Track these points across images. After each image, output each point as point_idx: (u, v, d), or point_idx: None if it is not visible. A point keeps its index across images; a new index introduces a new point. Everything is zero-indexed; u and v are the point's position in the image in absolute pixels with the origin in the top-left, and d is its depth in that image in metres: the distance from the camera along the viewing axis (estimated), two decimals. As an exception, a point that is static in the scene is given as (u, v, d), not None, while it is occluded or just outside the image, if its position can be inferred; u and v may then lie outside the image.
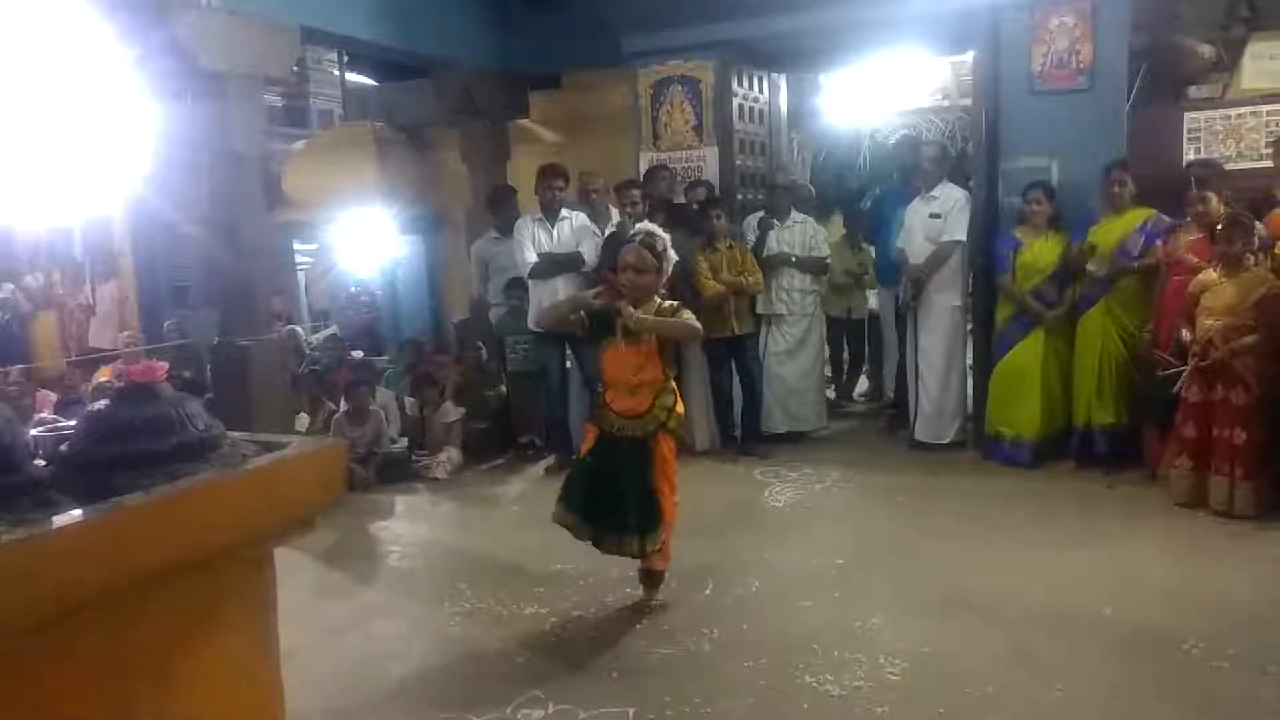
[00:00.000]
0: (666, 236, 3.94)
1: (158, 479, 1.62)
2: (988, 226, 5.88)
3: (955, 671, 3.22)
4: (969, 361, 6.20)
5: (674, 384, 3.84)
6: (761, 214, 6.43)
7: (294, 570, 4.21)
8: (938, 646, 3.40)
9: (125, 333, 8.40)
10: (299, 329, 8.66)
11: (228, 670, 1.77)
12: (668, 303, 3.82)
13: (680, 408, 3.83)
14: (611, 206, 6.23)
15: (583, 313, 3.81)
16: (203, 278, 5.97)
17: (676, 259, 3.98)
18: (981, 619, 3.61)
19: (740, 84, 6.81)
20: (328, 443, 1.97)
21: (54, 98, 5.73)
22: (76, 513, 1.48)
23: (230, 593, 1.77)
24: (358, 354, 7.77)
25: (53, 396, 6.94)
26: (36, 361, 9.02)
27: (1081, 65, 5.67)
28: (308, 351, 7.91)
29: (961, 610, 3.69)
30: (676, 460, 3.82)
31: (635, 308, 3.70)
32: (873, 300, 7.41)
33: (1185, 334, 4.69)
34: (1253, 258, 4.61)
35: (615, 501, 3.71)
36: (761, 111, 7.15)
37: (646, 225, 3.91)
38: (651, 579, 3.91)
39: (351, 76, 9.02)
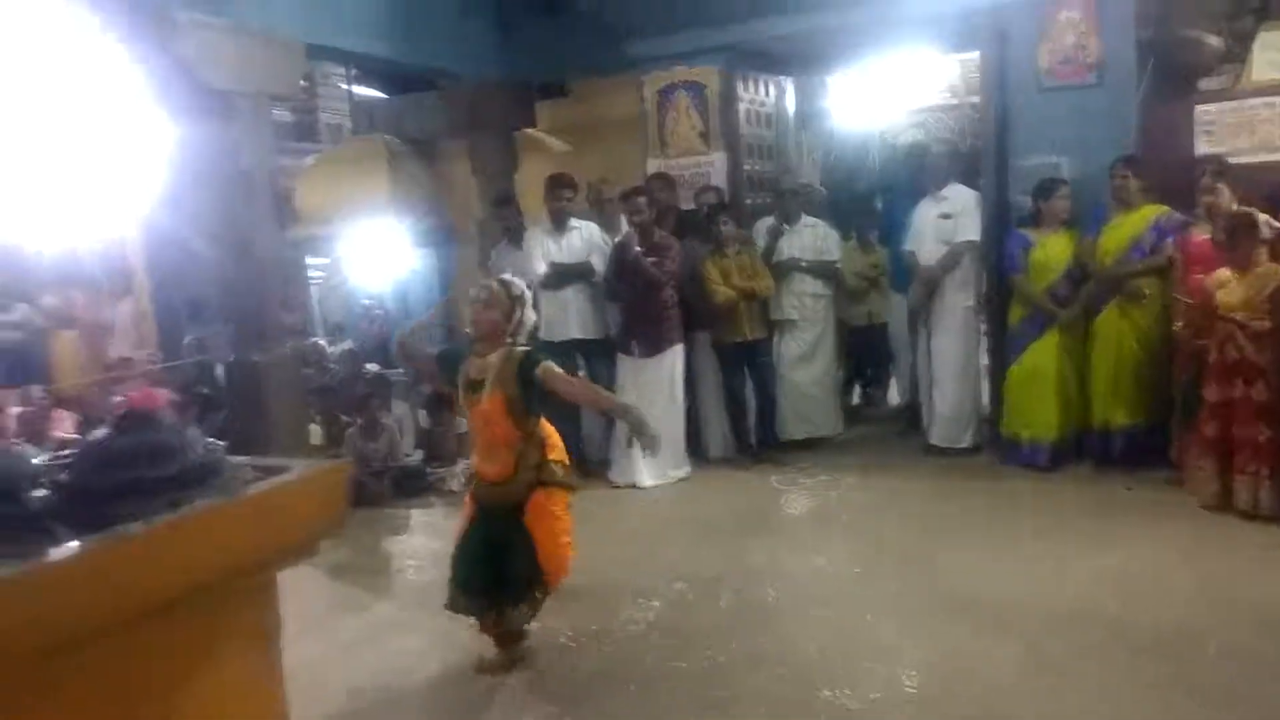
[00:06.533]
0: (524, 287, 3.57)
1: (158, 507, 1.61)
2: (999, 225, 5.83)
3: (975, 681, 3.18)
4: (984, 363, 6.14)
5: (542, 432, 3.50)
6: (772, 220, 6.39)
7: (309, 584, 4.21)
8: (956, 655, 3.37)
9: (145, 351, 8.43)
10: (321, 342, 8.67)
11: (233, 695, 1.77)
12: (517, 350, 3.45)
13: (556, 453, 3.50)
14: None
15: (435, 359, 3.59)
16: (215, 294, 6.00)
17: (535, 319, 3.64)
18: (1001, 625, 3.56)
19: (746, 88, 6.78)
20: (328, 466, 1.95)
21: (67, 119, 5.78)
22: (75, 544, 1.48)
23: (233, 618, 1.76)
24: (373, 367, 7.77)
25: (69, 416, 6.97)
26: (56, 381, 9.06)
27: (1089, 60, 5.62)
28: (329, 365, 7.91)
29: (980, 617, 3.65)
30: (566, 516, 3.53)
31: (483, 351, 3.44)
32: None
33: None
34: (1264, 251, 4.55)
35: (500, 569, 3.45)
36: (769, 115, 7.11)
37: (505, 276, 3.65)
38: (513, 638, 3.58)
39: (360, 90, 9.06)
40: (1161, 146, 5.56)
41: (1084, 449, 5.52)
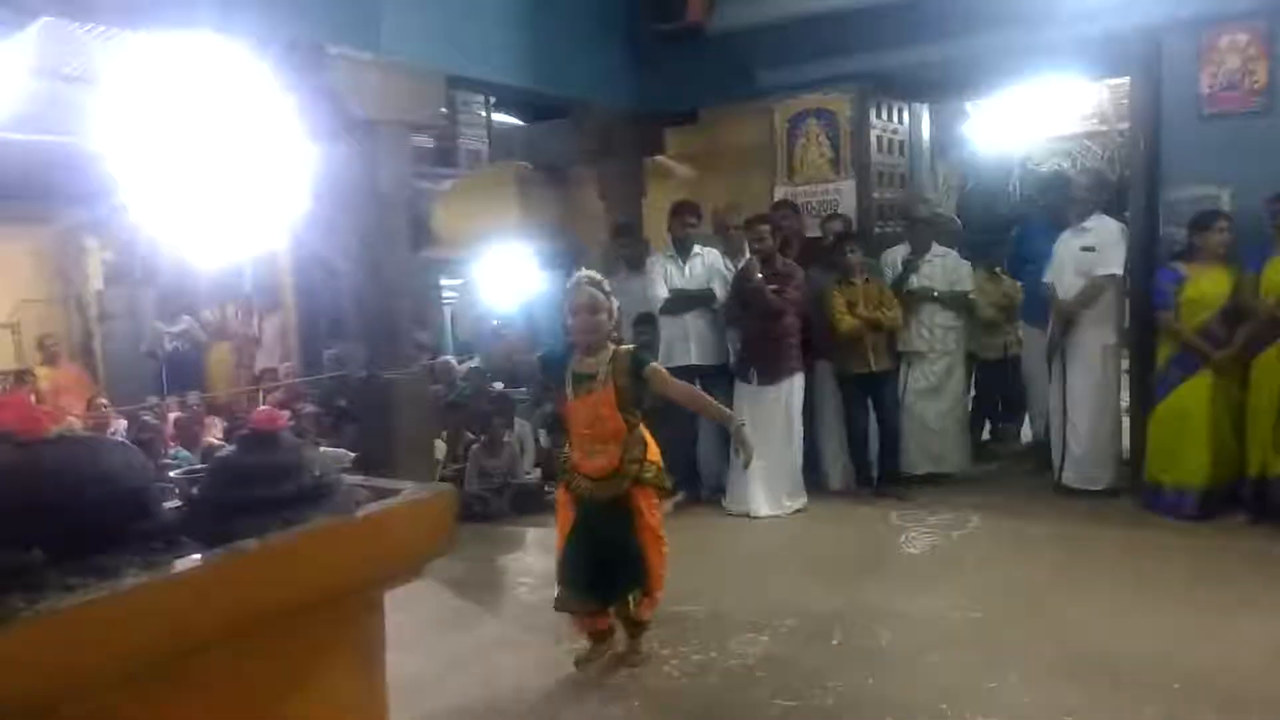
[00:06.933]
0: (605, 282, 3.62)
1: (275, 524, 1.69)
2: (1146, 259, 5.52)
3: (1098, 744, 2.99)
4: (1124, 403, 5.81)
5: (643, 430, 3.60)
6: (902, 249, 6.24)
7: (423, 598, 4.32)
8: (1078, 715, 3.17)
9: (286, 363, 8.95)
10: (451, 360, 8.98)
11: (335, 711, 1.82)
12: (623, 347, 3.60)
13: (654, 454, 3.59)
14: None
15: (539, 361, 3.72)
16: (351, 312, 6.30)
17: (618, 306, 3.66)
18: (1131, 688, 3.33)
19: (879, 115, 6.67)
20: (437, 490, 2.01)
21: (230, 145, 6.22)
22: (196, 558, 1.57)
23: (339, 635, 1.82)
24: (498, 386, 7.98)
25: (219, 423, 7.44)
26: (211, 388, 9.71)
27: (1256, 86, 5.28)
28: (459, 383, 8.18)
29: (1108, 676, 3.42)
30: (660, 512, 3.66)
31: (590, 351, 3.51)
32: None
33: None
34: None
35: (609, 565, 3.55)
36: (901, 142, 6.98)
37: (586, 272, 3.62)
38: (637, 628, 3.73)
39: (498, 117, 9.36)
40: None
41: (1238, 500, 5.14)
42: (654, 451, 3.62)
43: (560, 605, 3.68)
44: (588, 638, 3.76)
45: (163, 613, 1.50)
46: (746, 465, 3.66)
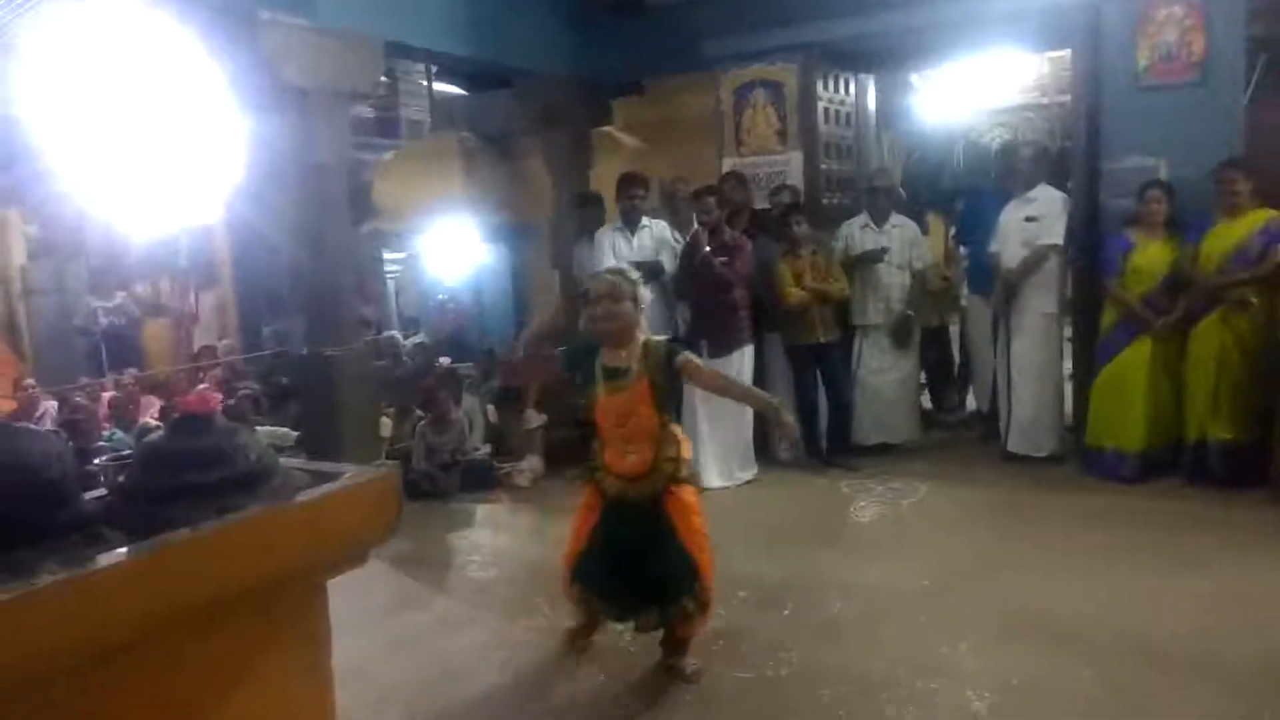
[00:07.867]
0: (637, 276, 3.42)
1: (208, 512, 1.60)
2: (1088, 229, 5.59)
3: (1045, 706, 3.04)
4: (1067, 370, 5.91)
5: (676, 428, 3.40)
6: (865, 220, 6.21)
7: (371, 579, 4.16)
8: (1027, 678, 3.22)
9: (224, 340, 8.70)
10: (397, 335, 8.82)
11: (279, 702, 1.76)
12: (655, 339, 3.36)
13: (687, 451, 3.36)
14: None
15: (564, 356, 3.45)
16: (292, 287, 6.11)
17: (649, 299, 3.44)
18: (1077, 649, 3.39)
19: (825, 86, 6.64)
20: (380, 473, 1.92)
21: (159, 115, 5.97)
22: (121, 551, 1.48)
23: (281, 625, 1.75)
24: (445, 361, 7.86)
25: (156, 402, 7.22)
26: (147, 366, 9.42)
27: (1193, 58, 5.34)
28: (404, 358, 8.05)
29: (1055, 638, 3.49)
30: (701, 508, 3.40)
31: (618, 343, 3.27)
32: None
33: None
34: None
35: (638, 571, 3.28)
36: (848, 114, 6.96)
37: (615, 264, 3.45)
38: (680, 645, 3.43)
39: (440, 87, 9.15)
40: (1270, 149, 5.26)
41: (1177, 463, 5.26)
42: (687, 448, 3.40)
43: (571, 593, 3.48)
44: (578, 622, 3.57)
45: (80, 613, 1.40)
46: (792, 447, 3.49)
